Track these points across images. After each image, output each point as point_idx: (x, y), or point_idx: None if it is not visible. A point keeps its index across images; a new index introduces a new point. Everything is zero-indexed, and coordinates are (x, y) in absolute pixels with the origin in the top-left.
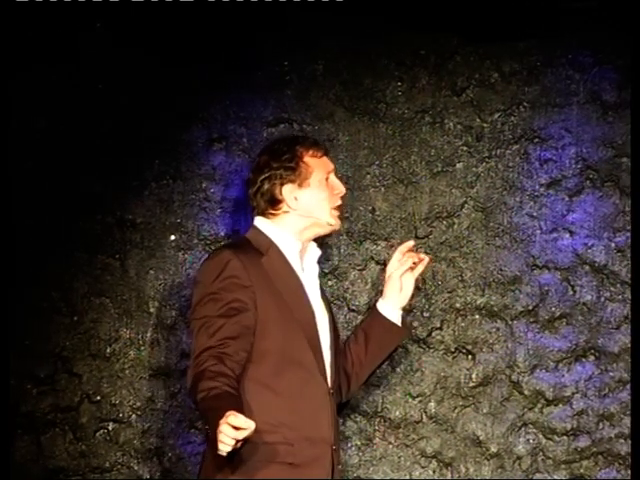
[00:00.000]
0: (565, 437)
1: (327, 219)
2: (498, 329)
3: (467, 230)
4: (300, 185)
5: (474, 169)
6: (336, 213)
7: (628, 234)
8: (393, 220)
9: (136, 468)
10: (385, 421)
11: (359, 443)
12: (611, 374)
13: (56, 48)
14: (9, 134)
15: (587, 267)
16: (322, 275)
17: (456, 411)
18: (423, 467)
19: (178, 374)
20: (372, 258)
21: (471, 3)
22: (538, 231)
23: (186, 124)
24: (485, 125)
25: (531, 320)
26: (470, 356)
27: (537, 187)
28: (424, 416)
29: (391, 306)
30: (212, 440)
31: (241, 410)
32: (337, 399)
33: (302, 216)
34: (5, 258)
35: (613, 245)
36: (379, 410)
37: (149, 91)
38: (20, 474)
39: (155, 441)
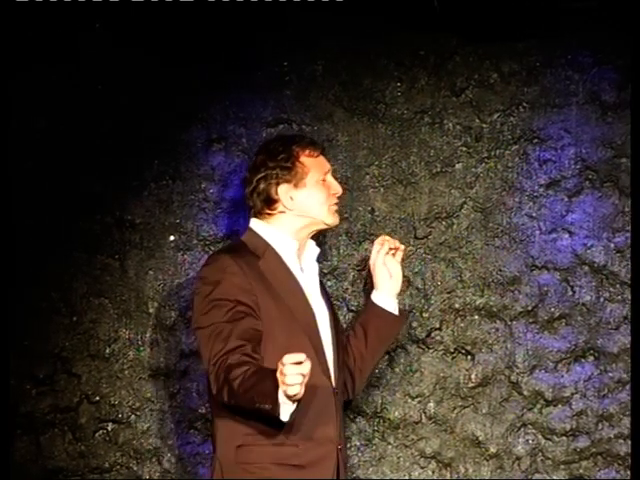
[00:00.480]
0: (564, 437)
1: (324, 218)
2: (497, 329)
3: (466, 230)
4: (296, 185)
5: (473, 169)
6: (334, 209)
7: (627, 234)
8: (392, 220)
9: (135, 468)
10: (384, 422)
11: (359, 443)
12: (610, 374)
13: (56, 48)
14: (9, 134)
15: (586, 267)
16: (321, 275)
17: (455, 411)
18: (422, 467)
19: (177, 374)
20: None
21: (471, 3)
22: (537, 231)
23: (186, 124)
24: (484, 125)
25: (530, 320)
26: (469, 356)
27: (536, 187)
28: (423, 416)
29: (385, 295)
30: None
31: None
32: (342, 397)
33: (298, 216)
34: (5, 258)
35: (612, 245)
36: (378, 411)
37: (149, 91)
38: (20, 474)
39: (154, 441)
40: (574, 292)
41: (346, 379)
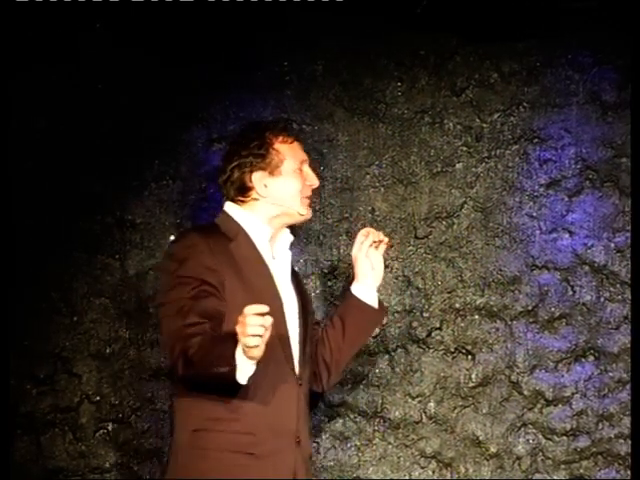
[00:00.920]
0: (565, 437)
1: (297, 209)
2: (498, 329)
3: (466, 230)
4: (271, 173)
5: (474, 169)
6: (307, 202)
7: (628, 234)
8: (393, 220)
9: (135, 468)
10: (385, 421)
11: (359, 443)
12: (611, 374)
13: (56, 48)
14: (9, 134)
15: (587, 267)
16: (322, 275)
17: (456, 411)
18: (423, 467)
19: None
20: None
21: (471, 3)
22: (538, 231)
23: (186, 124)
24: (485, 125)
25: (531, 320)
26: (470, 356)
27: (537, 187)
28: (424, 416)
29: (366, 287)
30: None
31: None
32: (308, 389)
33: (272, 204)
34: (5, 258)
35: (613, 245)
36: (379, 410)
37: (149, 91)
38: (20, 474)
39: (154, 441)
40: (574, 292)
41: (321, 371)
